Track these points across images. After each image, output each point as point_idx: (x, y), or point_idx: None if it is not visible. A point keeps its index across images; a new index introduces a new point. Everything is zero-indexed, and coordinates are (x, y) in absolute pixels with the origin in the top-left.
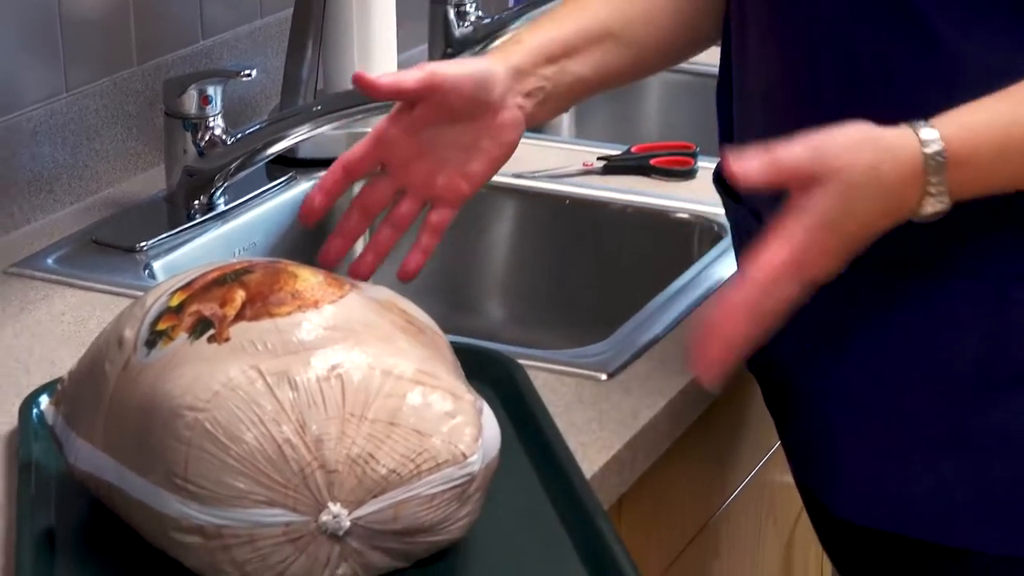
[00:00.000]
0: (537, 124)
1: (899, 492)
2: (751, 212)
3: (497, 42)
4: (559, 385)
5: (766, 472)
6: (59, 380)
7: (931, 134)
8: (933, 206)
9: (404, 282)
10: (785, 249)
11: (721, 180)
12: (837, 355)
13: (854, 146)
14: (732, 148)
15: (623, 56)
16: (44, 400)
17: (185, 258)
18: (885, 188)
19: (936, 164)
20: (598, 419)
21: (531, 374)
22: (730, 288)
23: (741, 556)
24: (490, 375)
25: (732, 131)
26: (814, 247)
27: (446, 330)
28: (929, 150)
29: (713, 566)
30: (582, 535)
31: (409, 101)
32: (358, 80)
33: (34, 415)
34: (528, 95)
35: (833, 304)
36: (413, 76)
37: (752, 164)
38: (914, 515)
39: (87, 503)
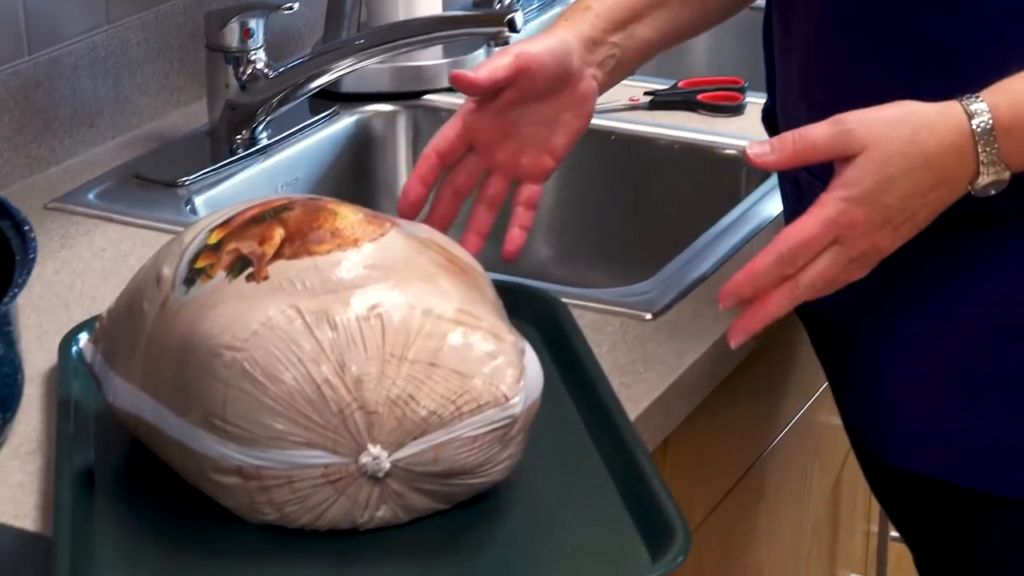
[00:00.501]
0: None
1: (950, 440)
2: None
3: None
4: (603, 325)
5: (812, 413)
6: (98, 317)
7: (978, 105)
8: (990, 176)
9: (509, 262)
10: (814, 221)
11: (770, 119)
12: (894, 301)
13: (892, 120)
14: (775, 96)
15: (688, 12)
16: (83, 337)
17: (227, 193)
18: (927, 160)
19: (984, 132)
20: (643, 360)
21: (574, 313)
22: (758, 255)
23: (787, 498)
24: (533, 314)
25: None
26: (851, 220)
27: (488, 268)
28: (976, 120)
29: (759, 508)
30: (625, 477)
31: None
32: (456, 80)
33: (73, 352)
34: (600, 64)
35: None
36: (504, 63)
37: (770, 157)
38: (964, 463)
39: (126, 441)
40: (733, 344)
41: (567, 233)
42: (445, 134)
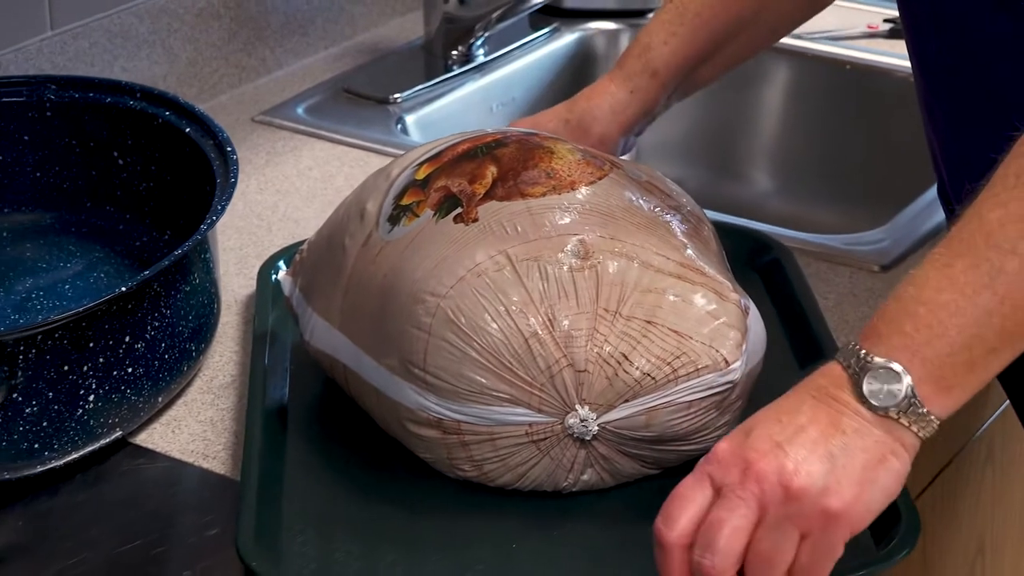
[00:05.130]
0: None
1: None
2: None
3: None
4: (831, 275)
5: None
6: (298, 247)
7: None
8: (924, 429)
9: None
10: (686, 486)
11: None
12: None
13: None
14: None
15: (753, 42)
16: (282, 267)
17: (439, 112)
18: (808, 382)
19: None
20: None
21: (801, 261)
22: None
23: (1016, 464)
24: (758, 262)
25: None
26: (713, 454)
27: (708, 199)
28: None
29: (984, 474)
30: None
31: None
32: None
33: (272, 281)
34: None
35: None
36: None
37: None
38: None
39: (320, 380)
40: None
41: (792, 166)
42: None
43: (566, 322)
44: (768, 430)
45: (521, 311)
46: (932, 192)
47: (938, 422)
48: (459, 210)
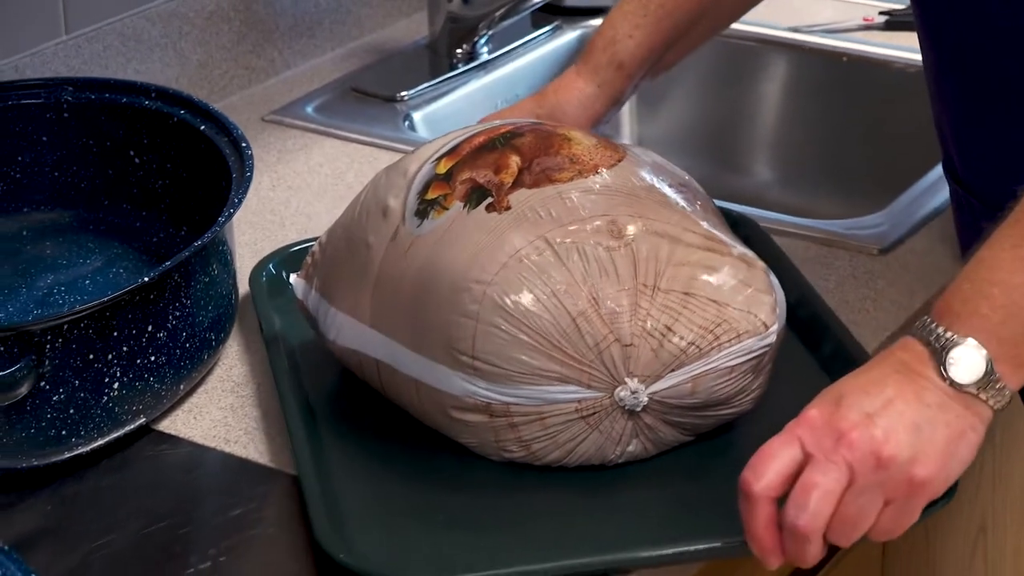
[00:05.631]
0: None
1: None
2: (966, 192)
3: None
4: (832, 259)
5: None
6: (288, 249)
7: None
8: (999, 402)
9: None
10: (775, 445)
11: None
12: None
13: None
14: None
15: (714, 26)
16: (293, 276)
17: (446, 109)
18: (875, 361)
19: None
20: (872, 297)
21: (801, 245)
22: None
23: (1017, 443)
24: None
25: None
26: (805, 418)
27: (710, 191)
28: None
29: (986, 454)
30: None
31: None
32: None
33: (263, 280)
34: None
35: None
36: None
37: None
38: None
39: (337, 377)
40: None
41: (792, 156)
42: None
43: (609, 300)
44: (858, 400)
45: (567, 291)
46: (929, 178)
47: (1010, 395)
48: (489, 200)
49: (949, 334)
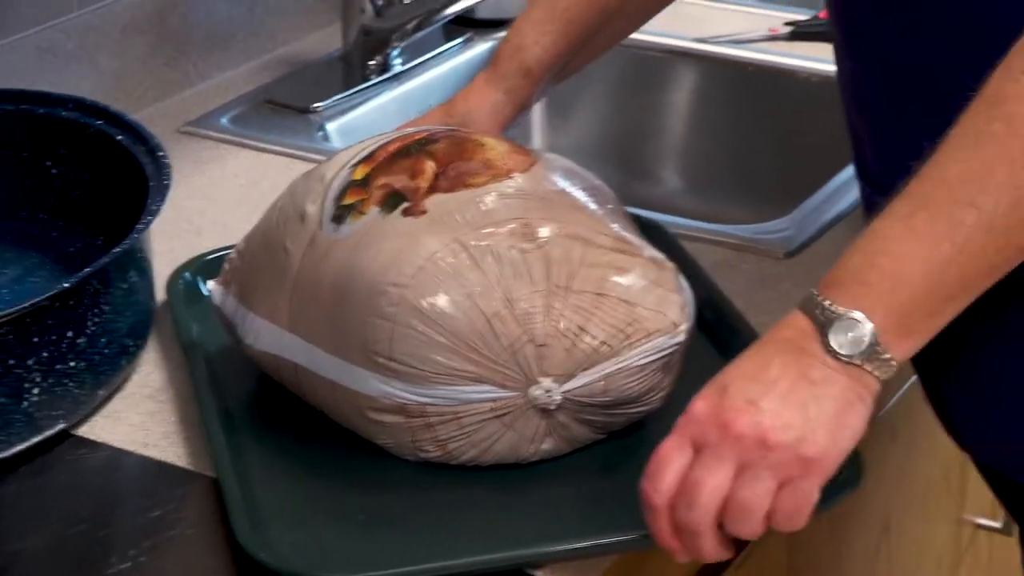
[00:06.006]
0: None
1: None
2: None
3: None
4: (739, 262)
5: None
6: (202, 258)
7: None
8: (885, 373)
9: None
10: (667, 448)
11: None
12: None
13: None
14: None
15: (621, 29)
16: (211, 282)
17: (359, 120)
18: (774, 334)
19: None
20: (778, 299)
21: (710, 250)
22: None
23: (917, 441)
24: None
25: None
26: (691, 413)
27: (620, 197)
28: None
29: (889, 450)
30: None
31: None
32: None
33: (181, 290)
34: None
35: None
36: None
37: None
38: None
39: (252, 382)
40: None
41: (701, 164)
42: None
43: (523, 301)
44: (742, 388)
45: (482, 293)
46: (833, 184)
47: (897, 366)
48: (406, 204)
49: (834, 307)
